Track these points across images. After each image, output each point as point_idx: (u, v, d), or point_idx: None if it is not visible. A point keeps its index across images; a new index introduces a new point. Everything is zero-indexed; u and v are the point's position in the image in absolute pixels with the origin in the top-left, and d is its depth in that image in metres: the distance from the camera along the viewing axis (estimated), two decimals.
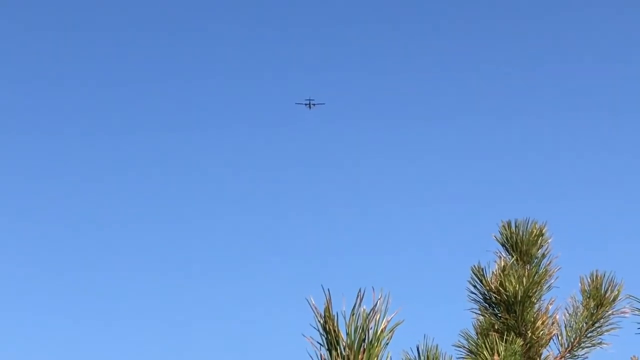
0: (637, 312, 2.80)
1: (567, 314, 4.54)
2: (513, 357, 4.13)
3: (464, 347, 4.28)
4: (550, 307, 4.41)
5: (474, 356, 4.21)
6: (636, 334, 2.61)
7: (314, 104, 43.79)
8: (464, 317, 4.47)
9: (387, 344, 2.25)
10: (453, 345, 4.33)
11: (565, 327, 4.51)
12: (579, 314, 4.54)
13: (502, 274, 4.26)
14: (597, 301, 4.54)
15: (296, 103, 43.90)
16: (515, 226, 4.60)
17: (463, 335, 4.32)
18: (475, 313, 4.43)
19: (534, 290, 4.28)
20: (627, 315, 4.51)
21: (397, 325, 2.24)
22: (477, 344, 4.21)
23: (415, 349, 4.60)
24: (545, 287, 4.42)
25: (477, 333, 4.38)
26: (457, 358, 4.36)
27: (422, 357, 4.59)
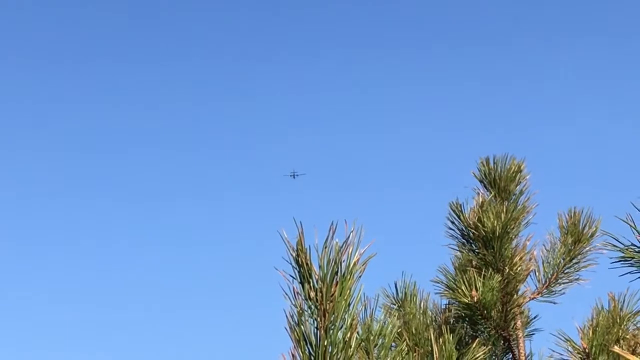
0: (613, 249, 2.80)
1: (545, 250, 4.57)
2: (491, 293, 4.16)
3: (442, 282, 4.30)
4: (528, 243, 4.43)
5: (452, 292, 4.23)
6: (609, 269, 2.62)
7: (297, 175, 46.17)
8: (442, 253, 4.49)
9: (360, 276, 2.25)
10: (431, 281, 4.36)
11: (543, 263, 4.54)
12: (556, 250, 4.56)
13: (480, 210, 4.27)
14: (575, 237, 4.56)
15: (283, 175, 46.36)
16: (494, 162, 4.60)
17: (441, 271, 4.34)
18: (453, 249, 4.46)
19: (511, 226, 4.30)
20: (603, 251, 4.54)
21: (370, 258, 2.24)
22: (455, 280, 4.23)
23: (394, 285, 4.64)
24: (523, 224, 4.44)
25: (455, 269, 4.41)
26: (435, 293, 4.39)
27: (399, 294, 4.62)
